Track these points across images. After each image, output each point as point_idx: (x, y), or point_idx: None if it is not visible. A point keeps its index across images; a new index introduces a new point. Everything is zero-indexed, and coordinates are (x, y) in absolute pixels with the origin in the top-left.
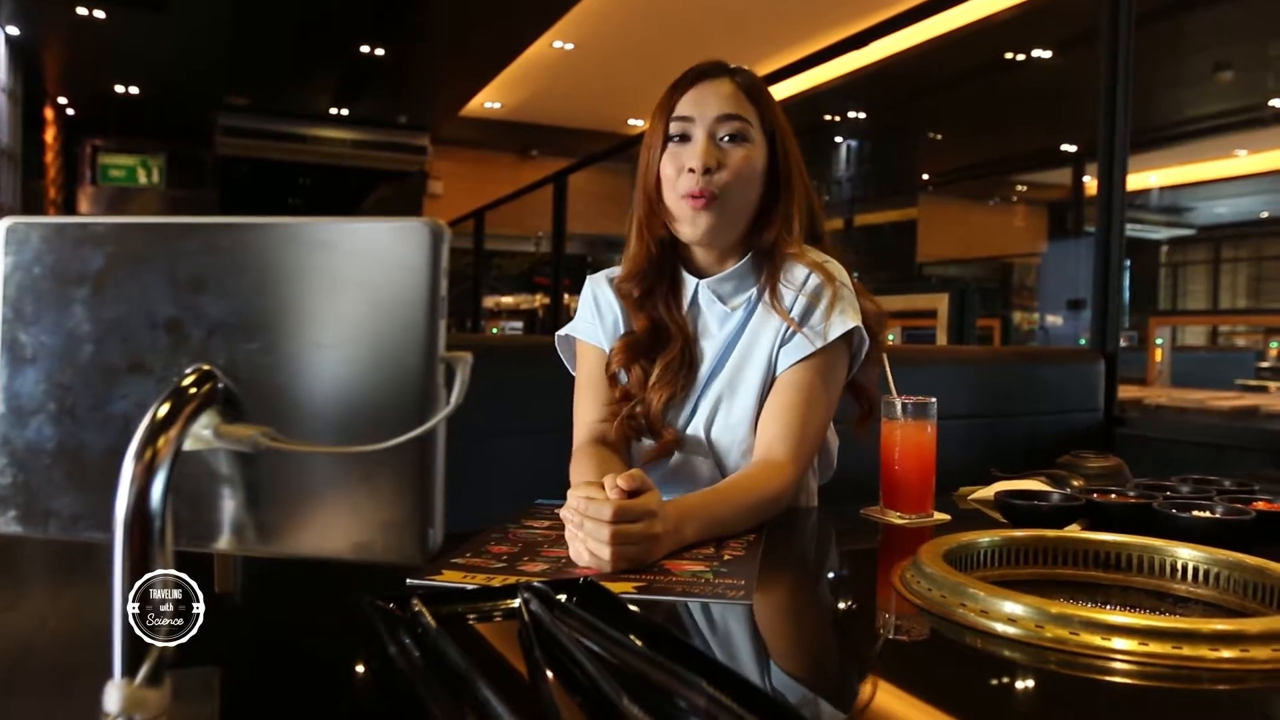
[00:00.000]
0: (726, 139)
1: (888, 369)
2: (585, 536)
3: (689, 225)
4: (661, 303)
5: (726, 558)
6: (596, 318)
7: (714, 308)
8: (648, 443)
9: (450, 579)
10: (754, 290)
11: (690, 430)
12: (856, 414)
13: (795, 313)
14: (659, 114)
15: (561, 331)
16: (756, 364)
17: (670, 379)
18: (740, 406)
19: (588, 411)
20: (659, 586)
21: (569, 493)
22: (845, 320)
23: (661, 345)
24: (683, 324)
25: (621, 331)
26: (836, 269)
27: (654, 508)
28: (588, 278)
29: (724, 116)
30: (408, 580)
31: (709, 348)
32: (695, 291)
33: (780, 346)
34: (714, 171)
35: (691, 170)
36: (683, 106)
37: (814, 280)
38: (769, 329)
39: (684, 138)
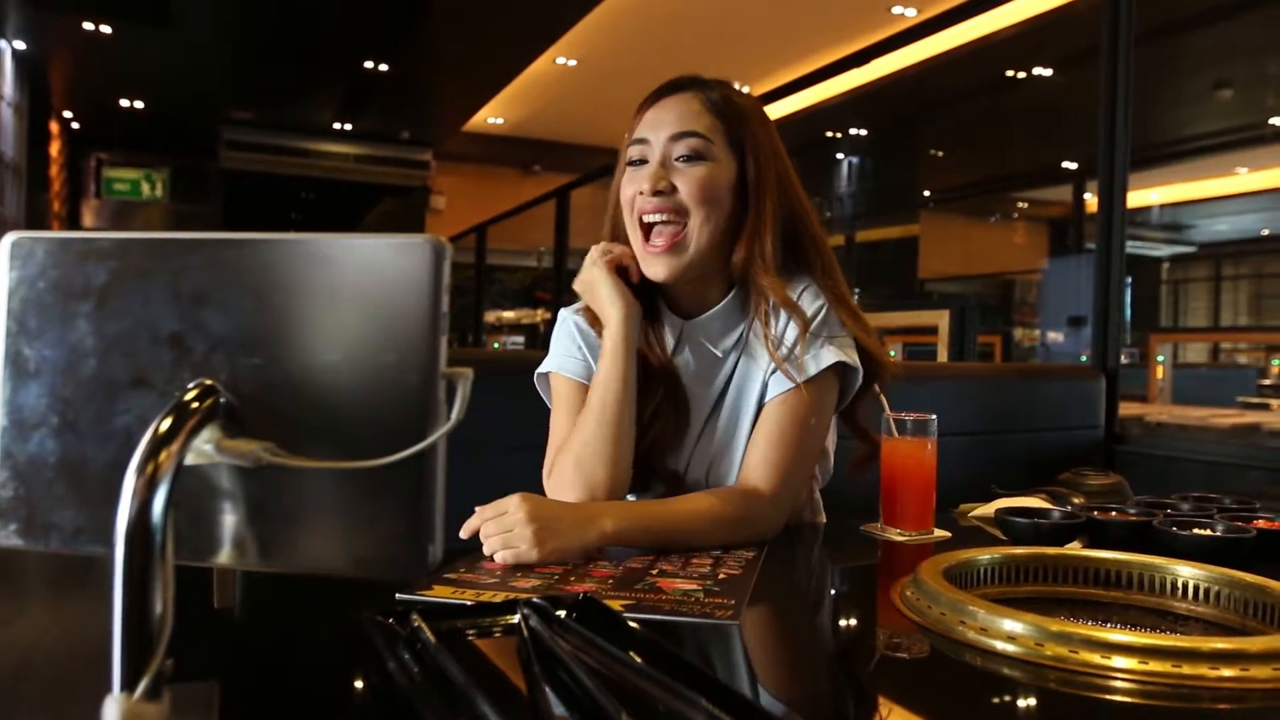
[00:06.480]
0: (681, 159)
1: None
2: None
3: (647, 266)
4: (642, 340)
5: (721, 576)
6: (584, 352)
7: (702, 350)
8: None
9: (441, 594)
10: (743, 327)
11: (690, 478)
12: (856, 452)
13: (779, 349)
14: (625, 138)
15: (542, 369)
16: (751, 402)
17: (660, 426)
18: (740, 447)
19: (564, 433)
20: (647, 605)
21: None
22: (823, 356)
23: (646, 390)
24: (667, 365)
25: None
26: (811, 300)
27: (509, 501)
28: (563, 312)
29: (678, 135)
30: (397, 595)
31: (702, 392)
32: (680, 334)
33: (768, 378)
34: (667, 194)
35: (642, 193)
36: (640, 128)
37: (793, 323)
38: (759, 366)
39: (641, 161)
